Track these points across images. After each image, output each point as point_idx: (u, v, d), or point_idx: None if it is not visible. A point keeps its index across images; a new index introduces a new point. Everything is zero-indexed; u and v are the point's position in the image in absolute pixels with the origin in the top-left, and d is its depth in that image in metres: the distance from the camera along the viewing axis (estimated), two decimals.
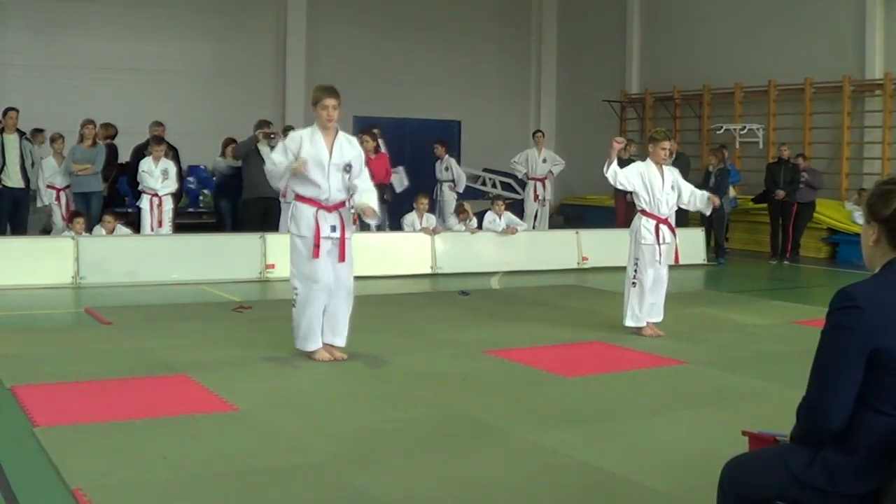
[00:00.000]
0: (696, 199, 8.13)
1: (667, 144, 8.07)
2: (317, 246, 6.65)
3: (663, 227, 8.01)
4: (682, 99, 18.49)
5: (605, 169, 7.93)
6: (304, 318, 6.78)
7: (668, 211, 8.07)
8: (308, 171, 6.62)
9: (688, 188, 8.16)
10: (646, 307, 7.99)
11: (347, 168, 6.73)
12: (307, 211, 6.70)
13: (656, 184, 7.95)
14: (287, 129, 13.03)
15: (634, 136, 19.57)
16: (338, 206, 6.76)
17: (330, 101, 6.64)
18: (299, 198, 6.79)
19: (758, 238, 15.71)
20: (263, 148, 12.30)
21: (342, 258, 6.75)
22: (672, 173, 8.09)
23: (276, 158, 6.75)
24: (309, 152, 6.63)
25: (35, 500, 4.14)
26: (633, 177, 7.98)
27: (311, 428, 5.22)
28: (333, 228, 6.71)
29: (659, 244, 7.98)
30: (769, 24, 16.86)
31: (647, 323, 8.04)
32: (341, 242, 6.75)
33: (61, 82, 16.50)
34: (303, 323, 6.79)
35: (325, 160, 6.65)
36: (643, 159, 8.20)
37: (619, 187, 8.19)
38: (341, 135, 6.80)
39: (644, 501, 4.23)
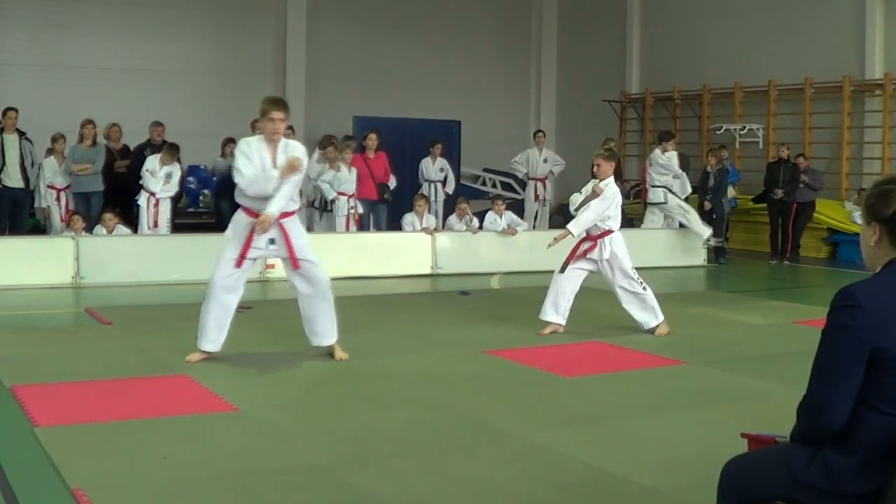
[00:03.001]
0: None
1: (598, 160, 8.09)
2: (242, 257, 6.61)
3: (585, 244, 8.11)
4: (682, 99, 18.49)
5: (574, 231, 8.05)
6: (204, 316, 6.74)
7: (593, 230, 8.10)
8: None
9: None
10: (547, 302, 8.06)
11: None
12: (244, 220, 6.63)
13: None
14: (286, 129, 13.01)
15: (634, 136, 19.63)
16: (280, 218, 6.59)
17: (277, 115, 6.56)
18: (242, 208, 6.68)
19: (758, 238, 15.69)
20: None
21: (295, 265, 6.67)
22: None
23: (246, 171, 6.54)
24: (254, 163, 6.55)
25: (35, 500, 4.14)
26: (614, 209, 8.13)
27: (310, 428, 5.23)
28: (272, 241, 6.63)
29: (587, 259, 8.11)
30: (769, 24, 16.85)
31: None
32: (289, 251, 6.64)
33: (61, 82, 16.48)
34: (201, 320, 6.76)
35: (269, 172, 6.52)
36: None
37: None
38: (282, 143, 6.66)
39: (644, 501, 4.23)
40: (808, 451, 2.71)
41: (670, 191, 13.92)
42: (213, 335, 6.72)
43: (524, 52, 21.45)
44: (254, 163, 6.54)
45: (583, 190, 8.35)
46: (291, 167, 6.50)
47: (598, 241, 8.04)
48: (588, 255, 8.09)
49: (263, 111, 6.61)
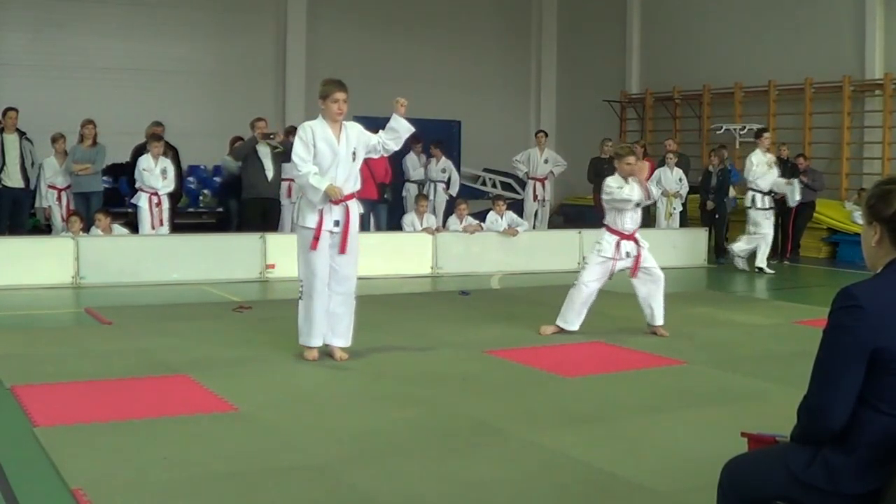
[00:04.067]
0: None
1: (631, 160, 7.99)
2: (316, 238, 6.67)
3: (626, 244, 7.99)
4: (682, 99, 18.49)
5: (646, 199, 8.01)
6: (308, 313, 6.82)
7: (632, 227, 8.02)
8: (320, 167, 6.68)
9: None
10: (575, 314, 7.96)
11: (354, 156, 6.78)
12: (314, 207, 6.73)
13: None
14: (288, 130, 13.02)
15: (634, 136, 19.61)
16: (345, 199, 6.75)
17: (341, 95, 6.69)
18: None
19: None
20: (262, 148, 12.29)
21: (342, 249, 6.74)
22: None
23: (302, 168, 6.65)
24: (319, 146, 6.68)
25: (35, 500, 4.14)
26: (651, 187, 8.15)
27: (311, 428, 5.22)
28: (337, 223, 6.73)
29: (616, 259, 7.96)
30: (769, 24, 16.86)
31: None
32: (344, 234, 6.75)
33: (61, 82, 16.49)
34: (306, 318, 6.84)
35: (336, 152, 6.70)
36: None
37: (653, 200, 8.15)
38: (345, 124, 6.83)
39: (644, 501, 4.23)
40: (808, 451, 2.71)
41: (773, 195, 13.26)
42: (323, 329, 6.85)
43: (524, 52, 21.46)
44: (316, 148, 6.64)
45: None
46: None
47: (636, 235, 8.05)
48: (630, 254, 8.01)
49: (326, 93, 6.71)
